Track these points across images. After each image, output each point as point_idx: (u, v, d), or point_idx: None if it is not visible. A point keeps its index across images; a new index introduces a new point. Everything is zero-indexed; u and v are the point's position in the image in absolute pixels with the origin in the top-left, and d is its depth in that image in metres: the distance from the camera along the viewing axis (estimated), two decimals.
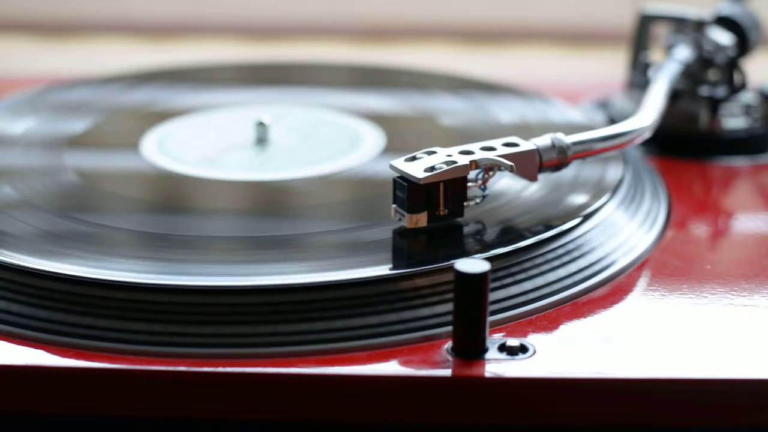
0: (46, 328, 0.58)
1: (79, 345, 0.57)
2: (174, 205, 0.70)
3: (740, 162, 0.79)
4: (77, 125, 0.80)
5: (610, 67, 1.00)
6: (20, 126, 0.79)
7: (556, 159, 0.65)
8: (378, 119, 0.79)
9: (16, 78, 0.96)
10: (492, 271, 0.56)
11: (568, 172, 0.68)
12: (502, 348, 0.57)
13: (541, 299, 0.61)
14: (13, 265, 0.60)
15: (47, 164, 0.73)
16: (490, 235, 0.63)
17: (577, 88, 0.93)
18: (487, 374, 0.55)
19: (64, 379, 0.56)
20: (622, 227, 0.66)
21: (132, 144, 0.76)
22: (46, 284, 0.59)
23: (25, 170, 0.73)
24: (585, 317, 0.60)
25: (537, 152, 0.64)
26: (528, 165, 0.64)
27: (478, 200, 0.63)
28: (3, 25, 1.31)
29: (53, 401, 0.56)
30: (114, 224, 0.65)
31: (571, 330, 0.59)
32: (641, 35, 0.84)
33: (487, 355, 0.56)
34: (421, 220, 0.62)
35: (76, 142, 0.77)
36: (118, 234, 0.64)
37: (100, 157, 0.77)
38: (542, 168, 0.64)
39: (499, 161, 0.62)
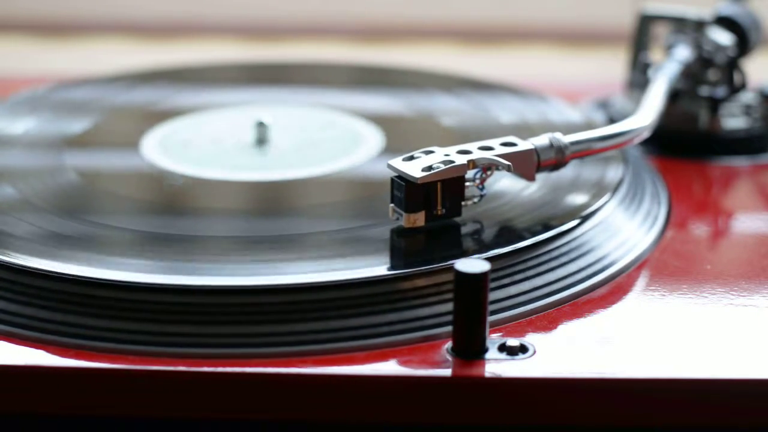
0: (46, 328, 0.58)
1: (79, 345, 0.57)
2: (174, 205, 0.70)
3: (740, 162, 0.79)
4: (77, 125, 0.80)
5: (610, 67, 1.00)
6: (20, 126, 0.79)
7: (554, 159, 0.65)
8: (378, 119, 0.79)
9: (16, 78, 0.96)
10: (492, 271, 0.56)
11: (568, 172, 0.68)
12: (502, 348, 0.57)
13: (541, 299, 0.61)
14: (13, 265, 0.60)
15: (47, 164, 0.73)
16: (490, 235, 0.63)
17: (577, 88, 0.93)
18: (487, 374, 0.55)
19: (64, 379, 0.56)
20: (622, 227, 0.66)
21: (132, 144, 0.76)
22: (46, 284, 0.59)
23: (26, 170, 0.73)
24: (585, 317, 0.60)
25: (535, 152, 0.64)
26: (526, 164, 0.64)
27: (476, 200, 0.63)
28: (3, 25, 1.31)
29: (53, 401, 0.56)
30: (114, 224, 0.65)
31: (570, 330, 0.59)
32: (641, 35, 0.84)
33: (487, 355, 0.56)
34: (419, 219, 0.62)
35: (76, 142, 0.77)
36: (118, 234, 0.64)
37: (100, 157, 0.77)
38: (540, 168, 0.64)
39: (497, 161, 0.62)
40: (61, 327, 0.58)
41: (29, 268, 0.60)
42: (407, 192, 0.61)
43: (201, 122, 0.80)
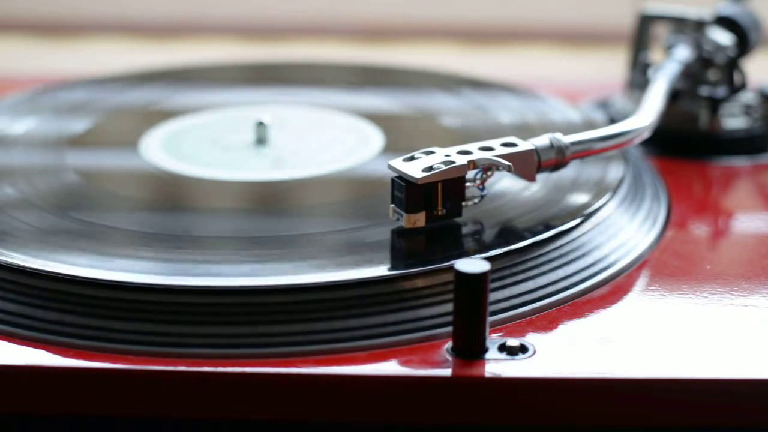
0: (46, 328, 0.58)
1: (79, 345, 0.57)
2: (174, 205, 0.70)
3: (740, 162, 0.79)
4: (77, 125, 0.80)
5: (610, 67, 1.00)
6: (21, 126, 0.79)
7: (555, 159, 0.65)
8: (378, 119, 0.79)
9: (16, 78, 0.96)
10: (492, 271, 0.56)
11: (568, 172, 0.68)
12: (502, 348, 0.57)
13: (541, 299, 0.61)
14: (12, 265, 0.60)
15: (48, 164, 0.73)
16: (490, 235, 0.63)
17: (577, 88, 0.93)
18: (487, 374, 0.55)
19: (64, 379, 0.56)
20: (622, 227, 0.66)
21: (132, 144, 0.76)
22: (46, 284, 0.59)
23: (26, 170, 0.73)
24: (585, 317, 0.60)
25: (535, 152, 0.64)
26: (526, 165, 0.64)
27: (476, 200, 0.63)
28: (3, 25, 1.31)
29: (53, 401, 0.56)
30: (114, 224, 0.65)
31: (571, 330, 0.59)
32: (641, 35, 0.84)
33: (487, 355, 0.56)
34: (419, 220, 0.62)
35: (76, 142, 0.77)
36: (118, 234, 0.64)
37: (100, 157, 0.77)
38: (540, 168, 0.64)
39: (497, 161, 0.62)
40: (61, 327, 0.58)
41: (29, 268, 0.60)
42: (407, 192, 0.61)
43: (201, 122, 0.80)
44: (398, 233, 0.63)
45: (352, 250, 0.62)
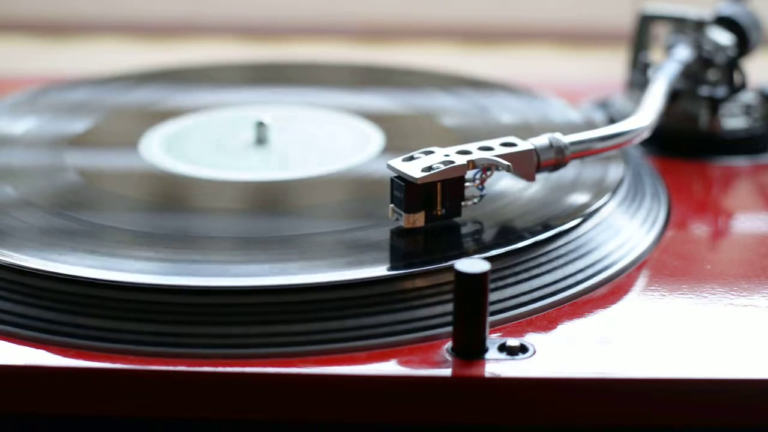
0: (46, 328, 0.58)
1: (79, 345, 0.57)
2: (174, 205, 0.70)
3: (740, 162, 0.79)
4: (77, 125, 0.80)
5: (610, 67, 1.00)
6: (21, 126, 0.79)
7: (554, 159, 0.65)
8: (378, 119, 0.79)
9: (16, 78, 0.96)
10: (492, 271, 0.56)
11: (568, 172, 0.68)
12: (502, 348, 0.57)
13: (541, 299, 0.61)
14: (13, 265, 0.60)
15: (48, 164, 0.73)
16: (490, 235, 0.63)
17: (577, 88, 0.93)
18: (487, 374, 0.55)
19: (64, 379, 0.56)
20: (622, 227, 0.66)
21: (132, 144, 0.76)
22: (46, 284, 0.59)
23: (26, 170, 0.73)
24: (585, 317, 0.60)
25: (534, 152, 0.64)
26: (525, 165, 0.64)
27: (475, 200, 0.63)
28: (3, 25, 1.31)
29: (53, 401, 0.56)
30: (114, 224, 0.65)
31: (570, 330, 0.59)
32: (641, 35, 0.84)
33: (487, 356, 0.56)
34: (419, 219, 0.62)
35: (76, 142, 0.77)
36: (119, 234, 0.64)
37: (100, 157, 0.77)
38: (540, 168, 0.64)
39: (497, 161, 0.62)
40: (61, 327, 0.58)
41: (30, 268, 0.60)
42: (407, 192, 0.61)
43: (201, 122, 0.80)
44: (398, 233, 0.63)
45: (352, 250, 0.62)
